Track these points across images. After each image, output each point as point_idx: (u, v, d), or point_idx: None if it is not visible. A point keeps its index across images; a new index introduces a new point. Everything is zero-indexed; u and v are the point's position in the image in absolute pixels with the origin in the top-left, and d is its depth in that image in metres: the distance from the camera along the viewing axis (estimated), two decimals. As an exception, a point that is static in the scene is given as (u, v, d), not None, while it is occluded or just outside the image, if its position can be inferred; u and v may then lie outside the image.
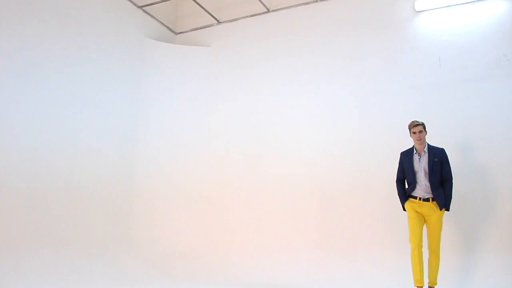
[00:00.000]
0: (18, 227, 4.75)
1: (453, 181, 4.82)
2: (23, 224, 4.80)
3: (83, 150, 5.55)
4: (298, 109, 6.17)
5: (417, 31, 5.70)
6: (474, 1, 5.48)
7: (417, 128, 4.78)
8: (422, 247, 4.64)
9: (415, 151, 4.90)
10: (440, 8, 5.64)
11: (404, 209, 4.91)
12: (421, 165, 4.82)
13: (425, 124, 4.85)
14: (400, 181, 5.00)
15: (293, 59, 6.36)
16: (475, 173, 5.19)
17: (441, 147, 4.87)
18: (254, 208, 6.13)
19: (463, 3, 5.53)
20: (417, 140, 4.82)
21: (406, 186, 4.95)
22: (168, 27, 7.17)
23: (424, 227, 4.75)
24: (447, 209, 4.73)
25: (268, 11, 6.69)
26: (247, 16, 6.85)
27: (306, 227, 5.78)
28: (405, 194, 4.92)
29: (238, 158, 6.39)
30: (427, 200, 4.71)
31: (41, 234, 4.96)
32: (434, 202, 4.71)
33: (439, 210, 4.69)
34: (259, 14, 6.76)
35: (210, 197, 6.41)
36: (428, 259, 4.71)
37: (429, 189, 4.74)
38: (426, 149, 4.85)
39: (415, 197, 4.78)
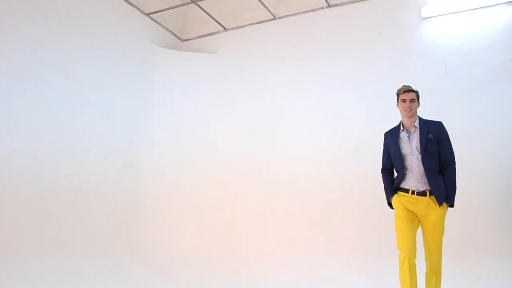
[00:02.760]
0: (22, 232, 4.77)
1: (456, 166, 3.82)
2: (27, 229, 4.82)
3: (88, 155, 5.58)
4: (304, 115, 6.18)
5: (423, 37, 5.70)
6: (480, 8, 5.48)
7: (408, 94, 3.82)
8: (415, 258, 3.60)
9: (402, 128, 3.90)
10: (446, 14, 5.64)
11: (390, 206, 3.94)
12: (411, 145, 3.80)
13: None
14: (386, 171, 4.07)
15: (299, 65, 6.38)
16: (482, 179, 5.11)
17: (437, 120, 3.91)
18: (260, 213, 6.13)
19: (469, 10, 5.53)
20: (406, 109, 3.80)
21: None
22: (175, 34, 7.22)
23: (419, 232, 3.79)
24: (451, 205, 3.74)
25: (275, 18, 6.72)
26: (254, 23, 6.88)
27: (312, 231, 5.76)
28: (392, 186, 3.93)
29: (244, 163, 6.40)
30: (422, 194, 3.69)
31: (44, 239, 4.97)
32: (432, 197, 3.68)
33: (439, 208, 3.67)
34: (266, 21, 6.79)
35: (216, 202, 6.41)
36: (426, 278, 3.74)
37: (425, 178, 3.72)
38: (417, 123, 3.83)
39: (406, 190, 3.77)
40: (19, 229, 4.72)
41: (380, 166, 4.16)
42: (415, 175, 3.76)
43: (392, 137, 3.96)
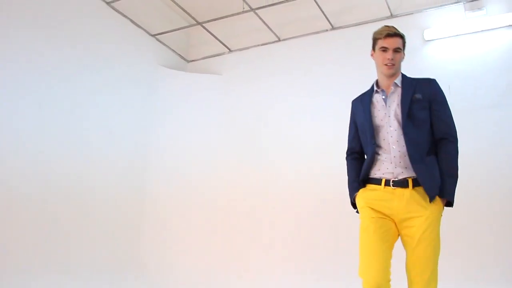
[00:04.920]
0: (23, 251, 4.76)
1: (458, 144, 2.64)
2: (27, 248, 4.81)
3: (94, 174, 5.60)
4: (309, 136, 6.19)
5: (426, 60, 5.75)
6: (481, 31, 5.54)
7: (392, 41, 2.65)
8: None
9: (375, 88, 2.75)
10: (448, 37, 5.70)
11: (355, 208, 2.76)
12: (389, 111, 2.61)
13: None
14: (352, 155, 2.87)
15: (303, 87, 6.42)
16: (487, 201, 5.08)
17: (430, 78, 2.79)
18: (266, 232, 6.10)
19: (471, 33, 5.60)
20: (387, 64, 2.64)
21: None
22: (180, 55, 7.30)
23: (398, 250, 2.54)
24: (449, 203, 2.54)
25: (279, 40, 6.80)
26: (258, 45, 6.95)
27: (320, 246, 5.73)
28: (357, 177, 2.72)
29: (250, 182, 6.39)
30: (401, 184, 2.49)
31: (45, 259, 4.96)
32: (419, 188, 2.47)
33: (429, 205, 2.45)
34: (270, 43, 6.87)
35: (222, 220, 6.39)
36: None
37: (407, 160, 2.50)
38: (399, 81, 2.69)
39: (377, 181, 2.57)
40: (19, 249, 4.71)
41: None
42: (391, 156, 2.53)
43: (361, 103, 2.80)
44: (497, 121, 5.22)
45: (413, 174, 2.50)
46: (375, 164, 2.64)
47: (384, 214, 2.55)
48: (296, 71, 6.56)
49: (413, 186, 2.49)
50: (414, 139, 2.54)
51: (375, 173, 2.63)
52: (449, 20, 5.75)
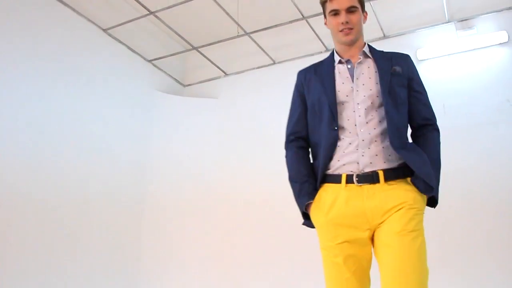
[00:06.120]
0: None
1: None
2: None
3: (90, 201, 5.58)
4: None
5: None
6: (473, 49, 5.62)
7: (341, 1, 2.12)
8: None
9: (336, 58, 2.24)
10: (441, 56, 5.78)
11: (306, 220, 2.19)
12: (357, 85, 2.10)
13: None
14: (296, 143, 2.25)
15: (299, 108, 6.46)
16: (481, 220, 5.07)
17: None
18: (262, 257, 6.07)
19: (463, 51, 5.68)
20: (341, 29, 2.15)
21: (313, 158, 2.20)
22: (176, 80, 7.36)
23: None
24: (432, 198, 2.00)
25: (274, 62, 6.87)
26: (254, 68, 7.03)
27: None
28: (309, 174, 2.11)
29: (248, 205, 6.38)
30: (369, 178, 1.92)
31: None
32: (396, 183, 1.92)
33: (414, 194, 1.90)
34: (265, 66, 6.94)
35: (219, 250, 6.36)
36: None
37: (376, 148, 1.97)
38: (367, 50, 2.23)
39: (336, 177, 1.98)
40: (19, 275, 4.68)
41: None
42: (359, 140, 1.97)
43: (317, 75, 2.30)
44: (492, 138, 5.25)
45: (384, 166, 1.94)
46: (335, 154, 2.01)
47: (354, 235, 1.90)
48: (291, 92, 6.57)
49: (386, 179, 1.92)
50: (395, 122, 2.00)
51: (334, 165, 2.01)
52: (441, 39, 5.84)
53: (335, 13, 2.16)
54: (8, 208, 4.65)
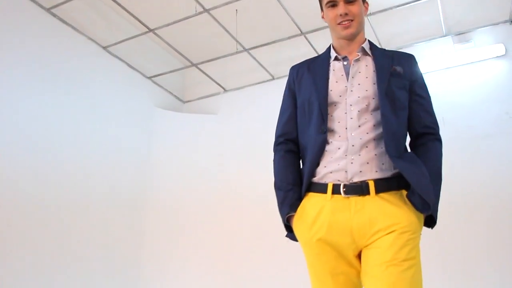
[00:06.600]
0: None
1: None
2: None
3: (90, 214, 5.57)
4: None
5: (419, 93, 5.83)
6: (471, 62, 5.65)
7: None
8: None
9: (332, 54, 2.02)
10: (439, 70, 5.81)
11: (289, 233, 2.00)
12: (351, 84, 1.88)
13: None
14: (285, 146, 2.12)
15: (299, 123, 6.46)
16: (483, 233, 5.03)
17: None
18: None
19: (461, 65, 5.71)
20: (340, 21, 1.91)
21: (303, 164, 1.98)
22: (176, 96, 7.38)
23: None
24: (431, 217, 1.75)
25: (273, 78, 6.90)
26: (253, 84, 7.05)
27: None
28: (295, 183, 1.91)
29: (249, 222, 6.35)
30: (358, 189, 1.70)
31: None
32: (388, 195, 1.70)
33: (410, 214, 1.67)
34: (264, 81, 6.96)
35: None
36: None
37: (368, 155, 1.75)
38: (367, 47, 1.99)
39: (322, 187, 1.77)
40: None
41: None
42: (348, 145, 1.77)
43: (310, 72, 2.05)
44: (491, 151, 5.25)
45: (375, 175, 1.72)
46: (321, 160, 1.81)
47: (339, 255, 1.74)
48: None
49: (377, 191, 1.70)
50: (392, 127, 1.77)
51: (320, 172, 1.80)
52: (439, 53, 5.87)
53: (333, 4, 1.92)
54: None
